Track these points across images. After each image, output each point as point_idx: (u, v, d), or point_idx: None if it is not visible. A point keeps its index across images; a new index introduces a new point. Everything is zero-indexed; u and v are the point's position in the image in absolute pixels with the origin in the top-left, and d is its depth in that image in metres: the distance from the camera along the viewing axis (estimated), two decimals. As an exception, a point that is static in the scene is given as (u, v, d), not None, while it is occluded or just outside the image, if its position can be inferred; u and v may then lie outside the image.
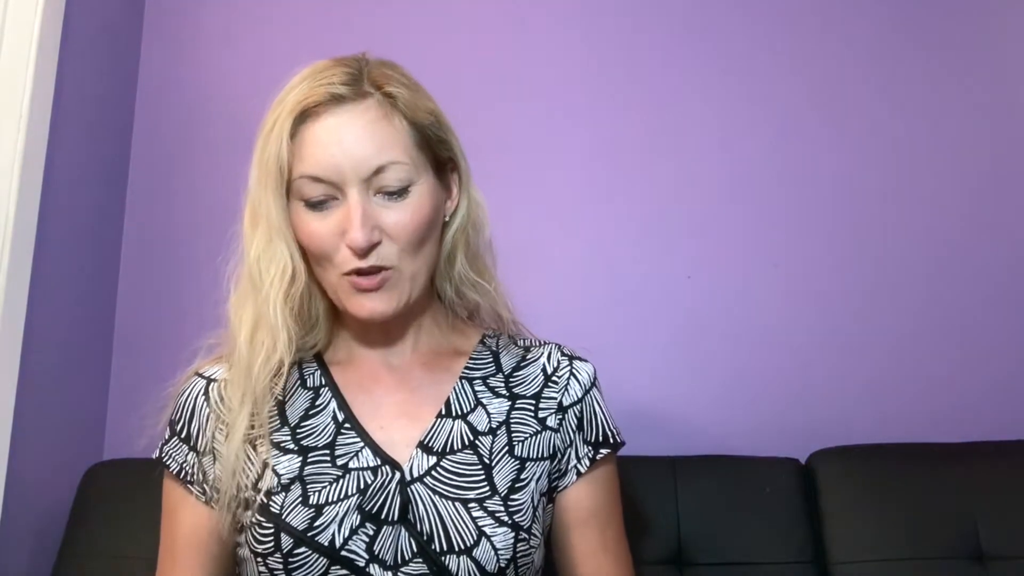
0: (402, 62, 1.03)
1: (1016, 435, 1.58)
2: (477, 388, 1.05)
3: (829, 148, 1.76)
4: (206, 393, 1.04)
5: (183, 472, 1.03)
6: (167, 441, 1.05)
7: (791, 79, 1.80)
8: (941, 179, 1.74)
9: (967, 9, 1.80)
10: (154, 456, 1.05)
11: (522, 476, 1.00)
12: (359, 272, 0.95)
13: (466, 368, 1.07)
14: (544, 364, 1.09)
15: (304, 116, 0.95)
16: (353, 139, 0.94)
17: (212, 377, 1.05)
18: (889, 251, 1.72)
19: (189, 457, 1.03)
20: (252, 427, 0.98)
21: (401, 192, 0.96)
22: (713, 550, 1.44)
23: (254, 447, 0.98)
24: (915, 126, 1.76)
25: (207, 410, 1.03)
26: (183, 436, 1.04)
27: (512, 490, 0.98)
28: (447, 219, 1.05)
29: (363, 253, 0.94)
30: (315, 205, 0.96)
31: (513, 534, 0.94)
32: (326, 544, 0.91)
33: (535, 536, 0.98)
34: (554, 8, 1.86)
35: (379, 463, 0.97)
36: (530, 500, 0.98)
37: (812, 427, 1.66)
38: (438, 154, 1.01)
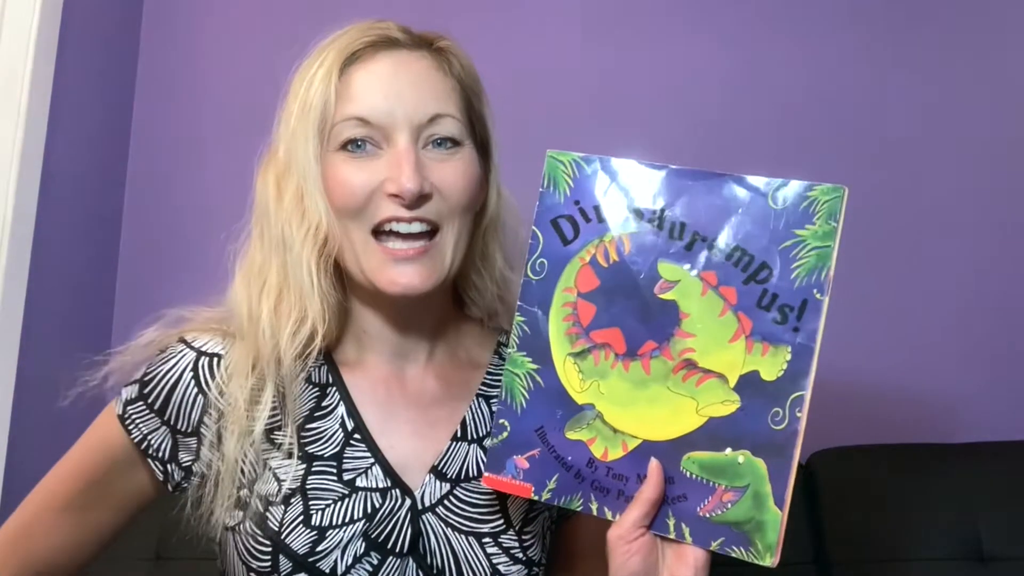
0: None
1: (1017, 436, 1.58)
2: (496, 409, 0.94)
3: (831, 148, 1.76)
4: (195, 370, 0.89)
5: (147, 445, 0.90)
6: (132, 402, 0.90)
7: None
8: (943, 177, 1.74)
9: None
10: (115, 406, 0.91)
11: (535, 505, 0.92)
12: (397, 233, 0.84)
13: (483, 385, 0.96)
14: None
15: (354, 57, 0.87)
16: (409, 82, 0.86)
17: (204, 351, 0.90)
18: (888, 251, 1.72)
19: (160, 433, 0.90)
20: (251, 413, 0.87)
21: (454, 144, 0.87)
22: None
23: (270, 440, 0.87)
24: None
25: (195, 390, 0.89)
26: (156, 407, 0.89)
27: (525, 522, 0.91)
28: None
29: (412, 198, 0.83)
30: (355, 148, 0.85)
31: (526, 571, 0.89)
32: (327, 572, 0.83)
33: (543, 568, 0.93)
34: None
35: (389, 485, 0.87)
36: (541, 531, 0.92)
37: (812, 428, 1.64)
38: (478, 130, 0.92)
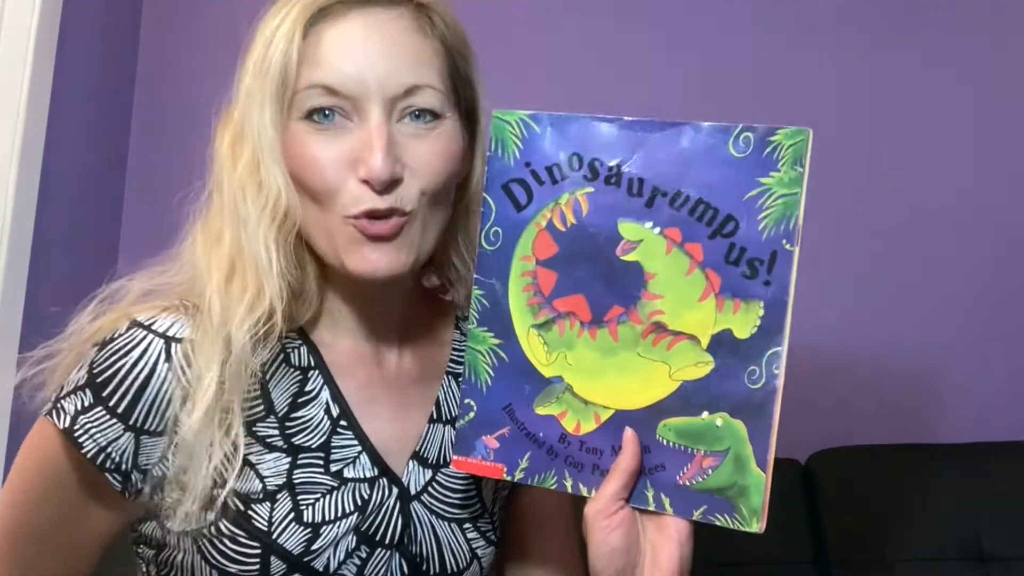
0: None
1: (1017, 436, 1.58)
2: (460, 388, 0.90)
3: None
4: (170, 360, 0.76)
5: (103, 458, 0.76)
6: (85, 410, 0.76)
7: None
8: (945, 174, 1.74)
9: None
10: (55, 422, 0.76)
11: (500, 485, 0.89)
12: (371, 215, 0.75)
13: (451, 362, 0.91)
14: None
15: (323, 14, 0.77)
16: (383, 47, 0.77)
17: (172, 335, 0.77)
18: (887, 251, 1.72)
19: (120, 440, 0.76)
20: (221, 399, 0.75)
21: (433, 118, 0.78)
22: (712, 550, 1.43)
23: (226, 431, 0.76)
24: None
25: (172, 383, 0.76)
26: (120, 411, 0.76)
27: (495, 503, 0.89)
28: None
29: (383, 187, 0.74)
30: (321, 119, 0.76)
31: (493, 549, 0.88)
32: (320, 570, 0.78)
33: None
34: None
35: (376, 474, 0.82)
36: (500, 510, 0.91)
37: (812, 428, 1.64)
38: (464, 94, 0.84)
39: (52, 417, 0.76)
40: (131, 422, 0.76)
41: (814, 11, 1.79)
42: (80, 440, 0.75)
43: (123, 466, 0.76)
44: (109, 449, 0.75)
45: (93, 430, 0.75)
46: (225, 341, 0.75)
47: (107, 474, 0.76)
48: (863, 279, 1.72)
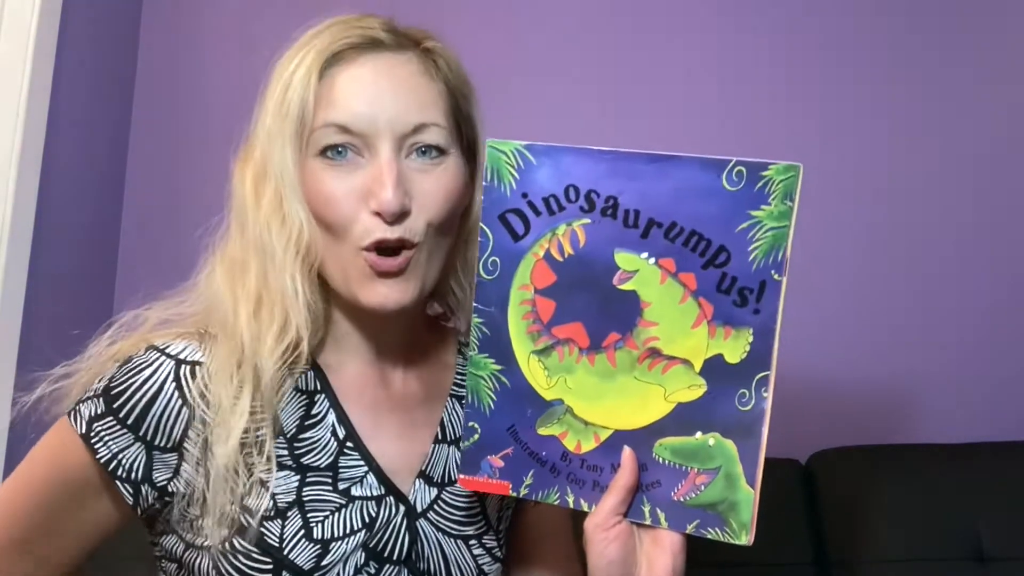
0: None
1: (1017, 436, 1.58)
2: (464, 411, 0.93)
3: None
4: (177, 380, 0.81)
5: (116, 465, 0.81)
6: (99, 417, 0.81)
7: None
8: (944, 178, 1.73)
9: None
10: (72, 424, 0.81)
11: (505, 504, 0.94)
12: (380, 248, 0.80)
13: (454, 385, 0.95)
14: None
15: (336, 59, 0.83)
16: (392, 89, 0.82)
17: (184, 358, 0.82)
18: (887, 251, 1.72)
19: (133, 450, 0.81)
20: (248, 430, 0.80)
21: (439, 154, 0.83)
22: (712, 551, 1.43)
23: (249, 454, 0.81)
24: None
25: (179, 403, 0.81)
26: (130, 422, 0.80)
27: (500, 520, 0.93)
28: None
29: (393, 218, 0.79)
30: (335, 155, 0.81)
31: (499, 566, 0.91)
32: None
33: None
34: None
35: (383, 493, 0.85)
36: (506, 529, 0.95)
37: (812, 428, 1.65)
38: (466, 131, 0.89)
39: (71, 419, 0.82)
40: (141, 434, 0.80)
41: (810, 46, 1.78)
42: (95, 446, 0.80)
43: (133, 475, 0.81)
44: (121, 457, 0.80)
45: (107, 437, 0.80)
46: (255, 370, 0.80)
47: (118, 483, 0.81)
48: (863, 279, 1.71)
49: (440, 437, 0.91)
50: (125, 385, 0.81)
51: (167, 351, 0.82)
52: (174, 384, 0.81)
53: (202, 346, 0.83)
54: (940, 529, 1.44)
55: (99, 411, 0.81)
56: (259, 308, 0.82)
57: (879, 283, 1.71)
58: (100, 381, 0.82)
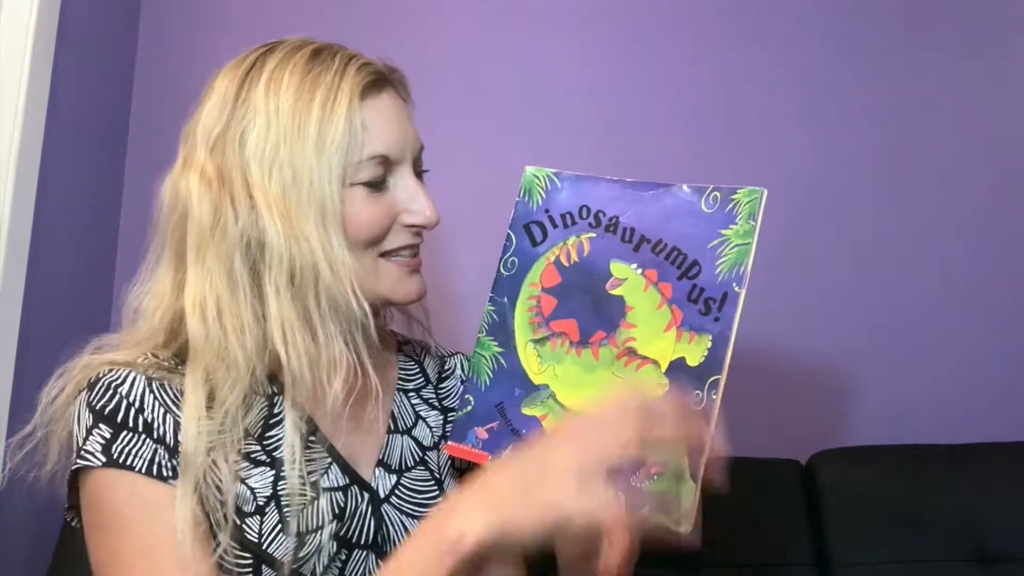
0: (415, 49, 1.00)
1: (1018, 436, 1.56)
2: (413, 401, 1.03)
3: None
4: (151, 388, 0.83)
5: (156, 467, 0.80)
6: (110, 442, 0.80)
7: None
8: (943, 178, 1.72)
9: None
10: (97, 465, 0.80)
11: (460, 482, 0.99)
12: (411, 248, 0.91)
13: (400, 379, 1.03)
14: (461, 376, 1.07)
15: (364, 92, 0.88)
16: (406, 119, 0.92)
17: (148, 374, 0.84)
18: (887, 251, 1.71)
19: (157, 450, 0.81)
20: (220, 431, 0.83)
21: (424, 172, 0.96)
22: (713, 552, 1.42)
23: (225, 457, 0.83)
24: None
25: (162, 410, 0.83)
26: (138, 428, 0.81)
27: None
28: None
29: (434, 227, 0.91)
30: (375, 186, 0.88)
31: None
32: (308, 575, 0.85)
33: None
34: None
35: (348, 482, 0.91)
36: None
37: (813, 429, 1.65)
38: None
39: (86, 469, 0.81)
40: (155, 436, 0.82)
41: (809, 47, 1.76)
42: (127, 463, 0.80)
43: (171, 472, 0.81)
44: (155, 459, 0.81)
45: (131, 449, 0.81)
46: (251, 373, 0.84)
47: (167, 482, 0.80)
48: (863, 280, 1.70)
49: (393, 428, 0.98)
50: (115, 398, 0.82)
51: (128, 363, 0.84)
52: (152, 396, 0.83)
53: (158, 372, 0.85)
54: (942, 530, 1.44)
55: (109, 435, 0.81)
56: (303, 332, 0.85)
57: (879, 283, 1.70)
58: (81, 417, 0.82)
